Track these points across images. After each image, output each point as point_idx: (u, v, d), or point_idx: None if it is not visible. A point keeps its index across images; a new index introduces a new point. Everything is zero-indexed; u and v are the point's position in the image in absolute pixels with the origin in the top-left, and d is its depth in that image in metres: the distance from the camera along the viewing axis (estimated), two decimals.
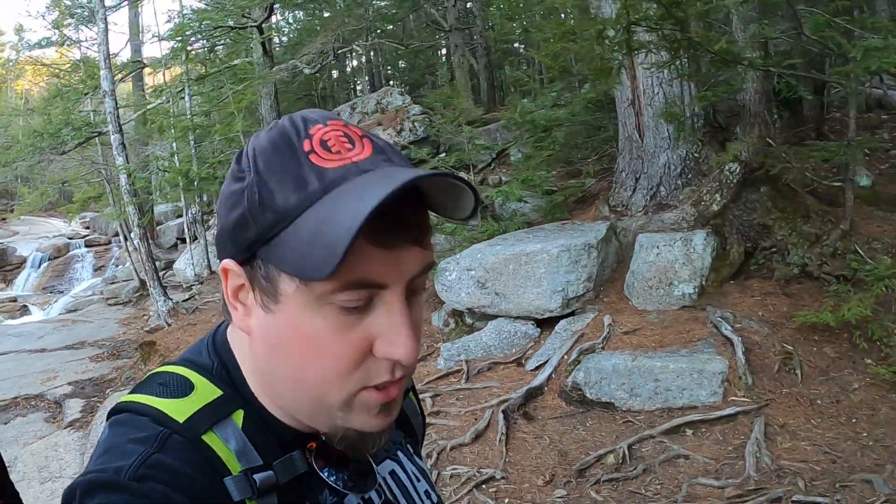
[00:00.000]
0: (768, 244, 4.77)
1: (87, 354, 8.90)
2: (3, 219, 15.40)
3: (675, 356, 3.75)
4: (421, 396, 3.75)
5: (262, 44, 10.23)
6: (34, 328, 9.36)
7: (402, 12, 14.16)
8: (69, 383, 7.93)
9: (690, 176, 5.06)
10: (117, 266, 13.33)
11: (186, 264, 10.13)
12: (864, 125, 7.41)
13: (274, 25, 11.90)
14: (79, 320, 9.94)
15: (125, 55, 13.88)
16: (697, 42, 3.74)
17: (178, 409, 0.56)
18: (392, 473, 0.70)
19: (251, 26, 9.68)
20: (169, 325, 8.62)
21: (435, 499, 0.74)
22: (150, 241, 13.76)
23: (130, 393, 0.60)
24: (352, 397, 0.55)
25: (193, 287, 9.81)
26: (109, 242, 13.70)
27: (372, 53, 14.52)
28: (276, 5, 9.36)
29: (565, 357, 4.19)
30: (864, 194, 5.40)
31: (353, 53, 13.86)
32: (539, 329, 4.79)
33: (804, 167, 4.35)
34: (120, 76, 10.19)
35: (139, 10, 13.25)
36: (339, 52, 11.80)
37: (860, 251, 4.38)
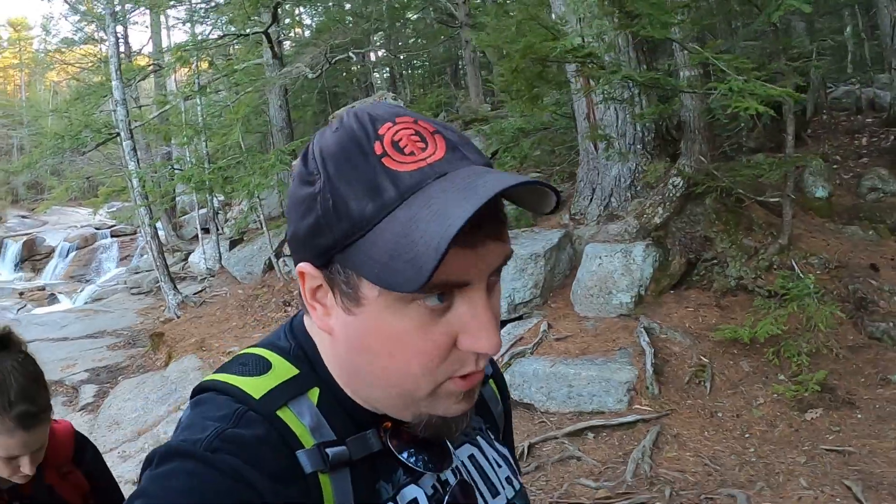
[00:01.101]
0: (710, 256, 4.96)
1: (105, 343, 9.56)
2: (33, 209, 16.39)
3: (590, 364, 4.03)
4: None
5: (271, 47, 10.64)
6: (58, 317, 10.09)
7: (417, 7, 14.35)
8: (86, 370, 8.56)
9: (639, 188, 5.27)
10: (142, 256, 14.05)
11: (200, 258, 10.72)
12: (847, 129, 7.43)
13: (284, 26, 12.27)
14: (100, 310, 10.65)
15: (148, 49, 14.56)
16: (625, 74, 3.95)
17: (256, 387, 0.59)
18: (471, 457, 0.71)
19: (257, 32, 10.09)
20: (178, 317, 9.20)
21: (517, 486, 0.74)
22: (176, 232, 14.52)
23: (214, 373, 0.63)
24: (437, 388, 0.56)
25: (205, 280, 10.40)
26: (135, 232, 14.46)
27: (381, 52, 14.83)
28: (280, 10, 9.70)
29: (500, 359, 4.51)
30: (819, 206, 5.52)
31: (366, 50, 14.15)
32: None
33: (733, 183, 4.51)
34: (139, 78, 10.76)
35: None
36: (352, 51, 12.12)
37: (795, 266, 4.54)
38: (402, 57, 15.04)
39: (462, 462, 0.68)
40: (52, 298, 11.95)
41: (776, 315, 3.94)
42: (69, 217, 16.68)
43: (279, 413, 0.57)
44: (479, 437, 0.73)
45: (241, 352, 0.65)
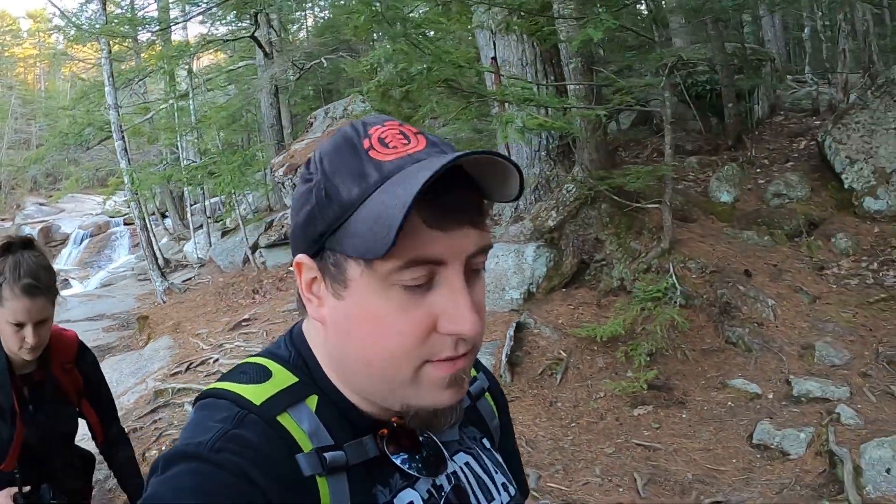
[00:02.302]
0: (600, 258, 5.21)
1: (102, 325, 10.32)
2: (50, 196, 17.50)
3: None
4: None
5: (261, 48, 11.18)
6: (63, 302, 10.94)
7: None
8: None
9: (542, 192, 5.53)
10: (156, 241, 14.92)
11: (193, 248, 11.41)
12: (792, 132, 7.46)
13: (279, 26, 12.76)
14: (103, 295, 11.46)
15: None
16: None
17: (256, 393, 0.61)
18: (467, 464, 0.71)
19: (244, 37, 10.64)
20: (164, 302, 9.90)
21: (513, 492, 0.75)
22: (182, 221, 15.33)
23: (216, 381, 0.65)
24: (417, 372, 0.58)
25: (194, 268, 11.09)
26: (151, 218, 15.36)
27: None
28: (260, 14, 10.20)
29: None
30: (722, 210, 5.68)
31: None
32: None
33: (609, 190, 4.75)
34: (137, 79, 11.44)
35: None
36: (341, 53, 12.55)
37: (672, 270, 4.76)
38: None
39: (458, 468, 0.70)
40: (65, 283, 12.83)
41: (625, 316, 4.19)
42: (84, 205, 17.69)
43: (279, 418, 0.59)
44: (474, 447, 0.75)
45: (244, 361, 0.67)
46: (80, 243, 15.41)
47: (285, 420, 0.59)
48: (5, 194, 20.30)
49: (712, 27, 7.17)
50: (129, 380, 7.23)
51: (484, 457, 0.74)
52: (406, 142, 0.58)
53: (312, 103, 13.84)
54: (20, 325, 1.60)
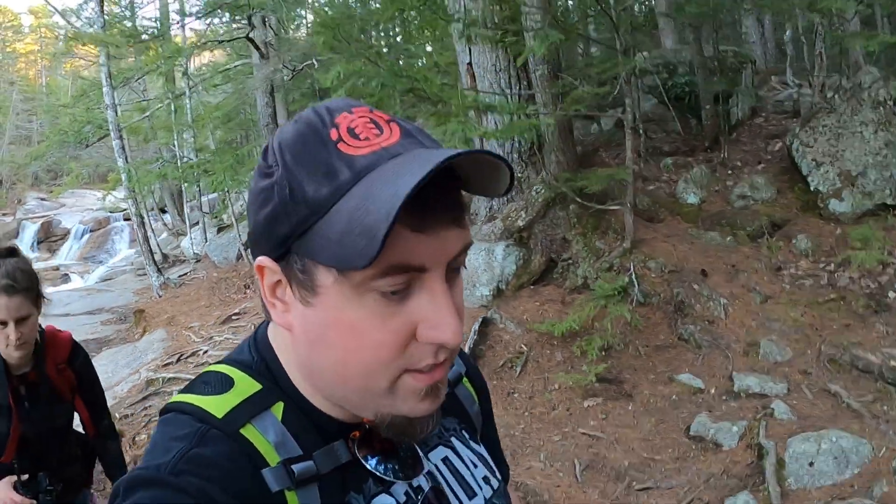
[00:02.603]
0: (567, 256, 5.40)
1: (100, 319, 10.61)
2: (51, 191, 17.78)
3: None
4: None
5: (257, 48, 11.38)
6: (64, 296, 11.21)
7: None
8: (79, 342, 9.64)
9: (513, 193, 5.71)
10: (155, 237, 15.20)
11: (189, 244, 11.67)
12: (770, 133, 7.60)
13: (273, 25, 12.95)
14: (102, 290, 11.75)
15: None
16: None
17: (218, 405, 0.58)
18: (445, 460, 0.69)
19: (239, 38, 10.85)
20: (160, 296, 10.16)
21: (496, 485, 0.73)
22: (181, 216, 15.61)
23: (179, 392, 0.62)
24: (394, 382, 0.55)
25: (190, 262, 11.34)
26: (150, 214, 15.63)
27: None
28: (255, 16, 10.40)
29: None
30: (688, 211, 5.85)
31: None
32: None
33: (571, 191, 4.93)
34: (137, 78, 11.68)
35: None
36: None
37: (632, 269, 4.94)
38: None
39: (435, 465, 0.67)
40: (66, 278, 13.15)
41: (581, 313, 4.38)
42: (85, 200, 18.01)
43: (243, 431, 0.57)
44: (453, 439, 0.72)
45: (206, 369, 0.64)
46: (81, 238, 15.72)
47: (249, 432, 0.57)
48: (7, 189, 20.68)
49: (691, 30, 7.31)
50: (123, 370, 7.51)
51: (463, 449, 0.72)
52: (378, 132, 0.53)
53: (311, 101, 14.07)
54: (3, 324, 1.76)
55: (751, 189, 5.77)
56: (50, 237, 16.07)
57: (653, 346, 4.46)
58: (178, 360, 7.19)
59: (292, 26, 15.27)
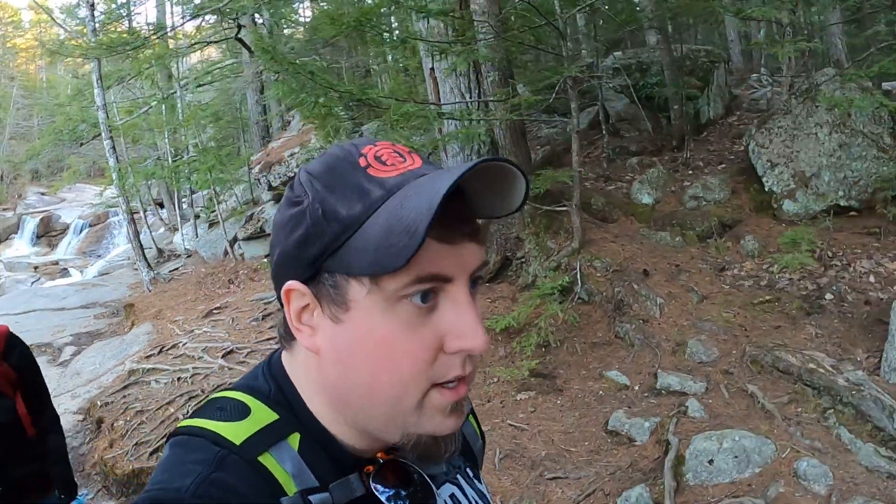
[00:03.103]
0: (520, 255, 5.57)
1: (94, 313, 10.92)
2: (51, 185, 18.08)
3: None
4: None
5: (247, 48, 11.60)
6: (60, 290, 11.54)
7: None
8: (71, 335, 9.91)
9: None
10: (152, 232, 15.54)
11: (181, 239, 11.96)
12: (738, 133, 7.69)
13: (267, 24, 13.15)
14: (98, 284, 12.06)
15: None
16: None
17: (235, 432, 0.58)
18: (452, 497, 0.70)
19: (228, 39, 11.07)
20: (150, 291, 10.45)
21: None
22: (177, 212, 15.93)
23: (189, 417, 0.61)
24: (423, 398, 0.56)
25: (181, 257, 11.64)
26: (146, 210, 15.95)
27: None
28: (245, 16, 10.61)
29: None
30: (642, 212, 5.98)
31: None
32: None
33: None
34: (130, 78, 11.93)
35: None
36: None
37: (578, 268, 5.10)
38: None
39: (444, 502, 0.68)
40: (64, 272, 13.49)
41: (520, 311, 4.55)
42: (84, 194, 18.21)
43: (261, 459, 0.57)
44: (458, 477, 0.73)
45: (218, 394, 0.64)
46: (80, 233, 16.05)
47: (267, 461, 0.57)
48: (7, 184, 21.06)
49: (657, 31, 7.41)
50: (110, 362, 7.82)
51: (468, 488, 0.73)
52: (402, 160, 0.57)
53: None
54: None
55: (703, 190, 5.88)
56: (49, 232, 16.42)
57: (590, 343, 4.61)
58: (160, 351, 7.50)
59: (286, 24, 15.46)
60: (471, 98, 5.59)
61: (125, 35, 8.91)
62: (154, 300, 10.09)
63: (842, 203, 5.74)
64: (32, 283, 12.42)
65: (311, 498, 0.57)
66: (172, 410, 5.34)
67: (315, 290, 0.57)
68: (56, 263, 14.30)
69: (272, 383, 0.64)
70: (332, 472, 0.60)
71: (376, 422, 0.59)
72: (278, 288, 0.59)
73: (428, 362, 0.55)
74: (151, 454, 4.74)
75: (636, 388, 4.04)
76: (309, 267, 0.56)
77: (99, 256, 14.93)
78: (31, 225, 16.67)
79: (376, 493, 0.60)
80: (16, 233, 16.39)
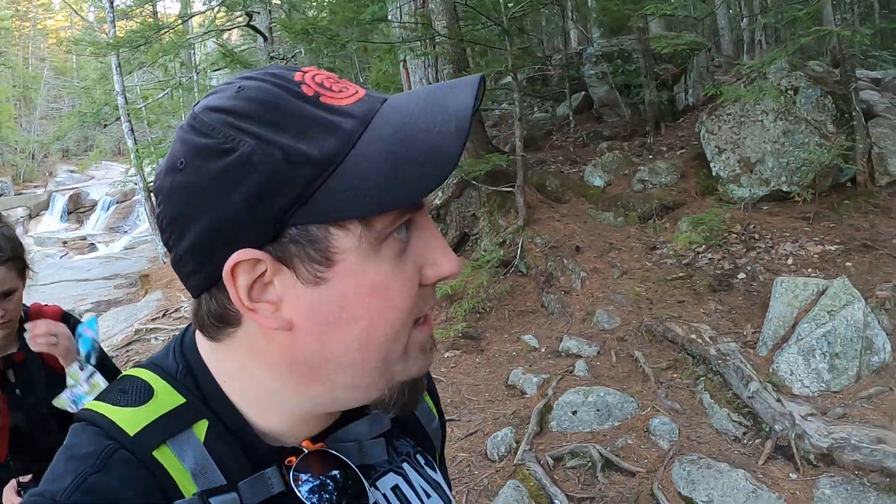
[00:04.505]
0: (475, 231, 6.05)
1: (114, 283, 11.84)
2: (80, 163, 19.05)
3: None
4: None
5: (260, 33, 12.23)
6: (85, 263, 12.51)
7: None
8: (92, 303, 10.84)
9: None
10: None
11: None
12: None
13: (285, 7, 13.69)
14: (120, 258, 13.00)
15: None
16: None
17: (132, 420, 0.51)
18: (395, 489, 0.63)
19: (240, 26, 11.71)
20: (164, 263, 11.30)
21: None
22: None
23: (94, 399, 0.55)
24: (409, 340, 0.53)
25: None
26: None
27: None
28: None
29: None
30: (592, 194, 6.38)
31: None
32: None
33: (465, 175, 5.56)
34: (149, 64, 12.69)
35: None
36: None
37: (520, 244, 5.55)
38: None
39: (383, 495, 0.61)
40: (92, 247, 14.47)
41: (460, 280, 5.05)
42: (112, 171, 19.01)
43: (156, 453, 0.50)
44: (405, 464, 0.65)
45: (127, 373, 0.57)
46: (108, 209, 17.02)
47: (163, 455, 0.50)
48: (38, 162, 22.30)
49: (637, 18, 7.67)
50: (122, 325, 8.69)
51: (416, 477, 0.66)
52: (345, 86, 0.50)
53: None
54: None
55: (650, 174, 6.21)
56: (79, 208, 17.47)
57: (518, 311, 5.08)
58: (164, 314, 8.37)
59: (306, 5, 16.01)
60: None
61: (135, 29, 9.58)
62: (167, 271, 10.91)
63: (784, 188, 5.99)
64: (61, 256, 13.41)
65: (212, 500, 0.49)
66: None
67: (278, 254, 0.48)
68: (84, 239, 15.30)
69: (181, 361, 0.57)
70: (245, 466, 0.52)
71: (362, 380, 0.52)
72: (213, 266, 0.49)
73: (414, 299, 0.51)
74: None
75: (542, 350, 4.49)
76: (271, 227, 0.47)
77: (125, 232, 15.90)
78: (60, 202, 17.58)
79: (296, 489, 0.53)
80: (46, 209, 17.52)
